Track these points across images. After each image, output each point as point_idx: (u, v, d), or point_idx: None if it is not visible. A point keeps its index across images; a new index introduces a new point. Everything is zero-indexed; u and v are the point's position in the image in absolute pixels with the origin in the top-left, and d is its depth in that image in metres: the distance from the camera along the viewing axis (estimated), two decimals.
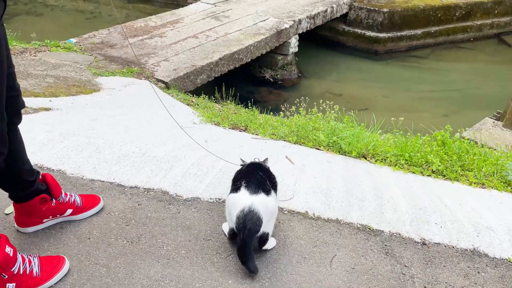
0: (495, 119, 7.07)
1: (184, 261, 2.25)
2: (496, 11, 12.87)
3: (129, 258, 2.24)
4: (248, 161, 2.62)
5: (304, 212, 2.72)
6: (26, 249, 2.21)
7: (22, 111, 2.05)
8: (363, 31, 11.71)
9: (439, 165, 3.86)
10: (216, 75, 7.83)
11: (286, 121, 4.91)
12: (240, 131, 4.53)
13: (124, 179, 2.85)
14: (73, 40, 8.25)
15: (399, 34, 11.72)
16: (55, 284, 2.01)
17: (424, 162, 3.95)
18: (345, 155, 4.12)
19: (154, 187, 2.81)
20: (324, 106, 4.99)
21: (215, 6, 10.62)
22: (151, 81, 6.75)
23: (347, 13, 11.80)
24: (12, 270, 1.86)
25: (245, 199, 2.18)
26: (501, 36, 13.12)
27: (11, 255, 1.85)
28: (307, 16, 10.11)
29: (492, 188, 3.67)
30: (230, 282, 2.14)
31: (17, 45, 7.66)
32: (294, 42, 9.79)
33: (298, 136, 4.39)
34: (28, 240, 2.28)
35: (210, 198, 2.76)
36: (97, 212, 2.53)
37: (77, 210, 2.45)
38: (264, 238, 2.26)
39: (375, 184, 3.25)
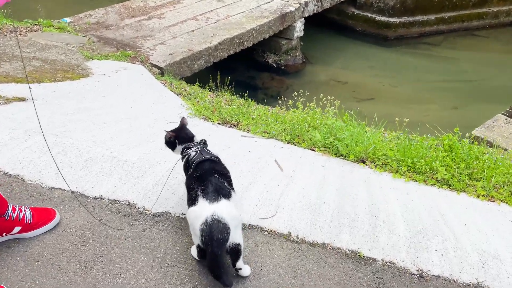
0: (508, 116, 6.64)
1: None
2: None
3: (80, 287, 1.96)
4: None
5: (287, 234, 2.41)
6: None
7: None
8: (373, 15, 11.18)
9: (444, 174, 3.51)
10: (215, 61, 7.46)
11: (281, 116, 4.57)
12: (231, 126, 4.20)
13: (88, 188, 2.55)
14: (68, 19, 7.87)
15: (411, 19, 11.18)
16: None
17: (428, 170, 3.60)
18: (342, 158, 3.79)
19: (120, 198, 2.50)
20: (324, 101, 4.63)
21: None
22: (145, 66, 6.41)
23: None
24: None
25: (205, 209, 1.96)
26: None
27: None
28: None
29: (502, 201, 3.32)
30: None
31: (7, 23, 7.31)
32: (299, 26, 9.33)
33: (292, 135, 4.05)
34: None
35: (182, 214, 2.46)
36: (51, 229, 2.24)
37: (27, 227, 2.16)
38: (236, 250, 2.00)
39: (371, 197, 2.92)
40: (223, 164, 2.29)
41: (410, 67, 10.30)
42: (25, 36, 6.94)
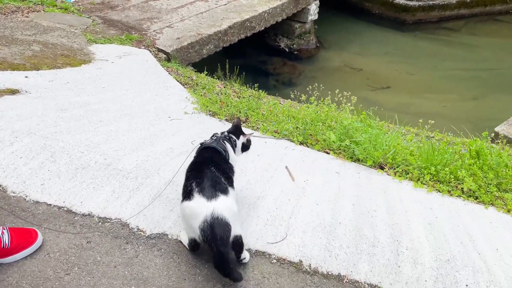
0: None
1: None
2: None
3: None
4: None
5: (298, 262, 2.14)
6: None
7: None
8: None
9: (471, 185, 3.20)
10: (224, 45, 7.10)
11: (293, 111, 4.24)
12: None
13: (77, 203, 2.29)
14: None
15: (431, 2, 10.63)
16: None
17: (453, 179, 3.29)
18: (358, 162, 3.49)
19: (112, 216, 2.24)
20: (340, 97, 4.29)
21: None
22: (151, 51, 6.09)
23: None
24: None
25: (204, 207, 1.89)
26: None
27: None
28: None
29: None
30: None
31: (9, 3, 7.00)
32: (314, 8, 8.89)
33: (305, 135, 3.74)
34: None
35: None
36: (32, 253, 1.99)
37: (4, 252, 1.91)
38: (239, 242, 1.97)
39: (392, 215, 2.63)
40: (225, 154, 2.22)
41: (428, 54, 9.82)
42: (26, 17, 6.63)
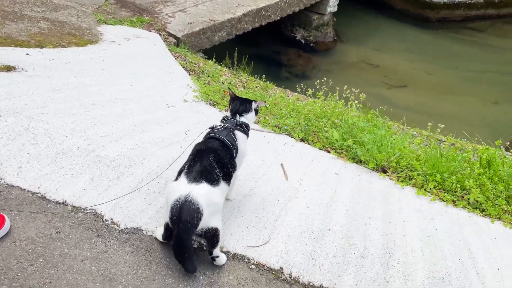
0: None
1: None
2: None
3: None
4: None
5: (278, 270, 1.99)
6: None
7: None
8: None
9: (478, 196, 3.00)
10: (238, 33, 6.92)
11: (298, 106, 4.07)
12: None
13: (52, 189, 2.17)
14: None
15: (456, 0, 10.25)
16: None
17: (459, 188, 3.09)
18: (360, 164, 3.31)
19: (87, 205, 2.12)
20: (348, 94, 4.09)
21: None
22: (161, 35, 5.96)
23: None
24: None
25: (182, 188, 1.84)
26: None
27: None
28: None
29: None
30: None
31: None
32: (333, 0, 8.62)
33: (307, 132, 3.57)
34: None
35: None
36: None
37: None
38: (211, 235, 1.86)
39: (388, 224, 2.46)
40: (232, 151, 2.08)
41: (450, 54, 9.47)
42: None
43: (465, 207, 2.97)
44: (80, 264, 1.86)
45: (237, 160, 2.14)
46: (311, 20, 8.73)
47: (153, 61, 4.77)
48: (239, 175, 2.61)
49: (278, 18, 7.54)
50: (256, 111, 2.31)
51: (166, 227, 1.94)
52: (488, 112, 7.73)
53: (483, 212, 2.97)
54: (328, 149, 3.44)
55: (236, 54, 5.25)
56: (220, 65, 5.51)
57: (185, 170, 1.91)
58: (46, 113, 2.74)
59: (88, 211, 2.10)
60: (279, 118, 3.72)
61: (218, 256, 1.94)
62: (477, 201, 3.01)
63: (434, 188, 3.09)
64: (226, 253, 2.01)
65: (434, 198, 2.99)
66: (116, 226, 2.05)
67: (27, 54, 4.12)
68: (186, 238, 1.78)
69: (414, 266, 2.14)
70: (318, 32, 8.90)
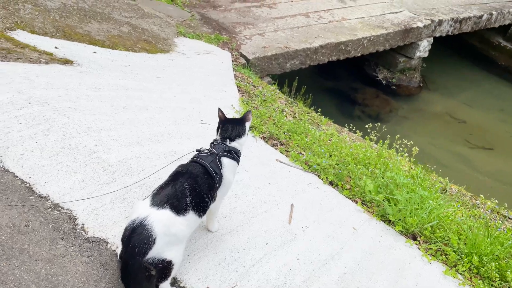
0: None
1: None
2: None
3: None
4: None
5: None
6: None
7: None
8: None
9: None
10: (312, 63, 6.76)
11: (340, 146, 3.75)
12: (273, 145, 3.56)
13: (41, 182, 2.16)
14: None
15: None
16: None
17: (498, 278, 2.58)
18: (388, 224, 2.93)
19: (66, 205, 2.07)
20: (397, 144, 3.69)
21: None
22: (233, 54, 6.01)
23: (510, 24, 9.50)
24: None
25: (141, 210, 1.71)
26: None
27: None
28: (452, 19, 8.28)
29: None
30: None
31: None
32: (425, 45, 8.11)
33: (339, 175, 3.26)
34: None
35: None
36: None
37: None
38: (162, 267, 1.69)
39: None
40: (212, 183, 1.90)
41: None
42: (133, 0, 7.00)
43: None
44: (33, 263, 1.79)
45: (220, 190, 1.96)
46: (396, 62, 8.30)
47: (211, 77, 4.78)
48: (236, 208, 2.42)
49: (359, 54, 7.26)
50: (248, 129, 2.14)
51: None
52: None
53: None
54: (356, 199, 3.10)
55: (296, 83, 5.08)
56: (285, 93, 5.38)
57: (154, 191, 1.78)
58: (73, 108, 2.80)
59: (65, 211, 2.04)
60: (314, 155, 3.46)
61: None
62: None
63: (467, 271, 2.61)
64: None
65: (464, 284, 2.51)
66: (83, 233, 1.97)
67: (94, 52, 4.33)
68: (132, 263, 1.64)
69: None
70: (403, 75, 8.43)
